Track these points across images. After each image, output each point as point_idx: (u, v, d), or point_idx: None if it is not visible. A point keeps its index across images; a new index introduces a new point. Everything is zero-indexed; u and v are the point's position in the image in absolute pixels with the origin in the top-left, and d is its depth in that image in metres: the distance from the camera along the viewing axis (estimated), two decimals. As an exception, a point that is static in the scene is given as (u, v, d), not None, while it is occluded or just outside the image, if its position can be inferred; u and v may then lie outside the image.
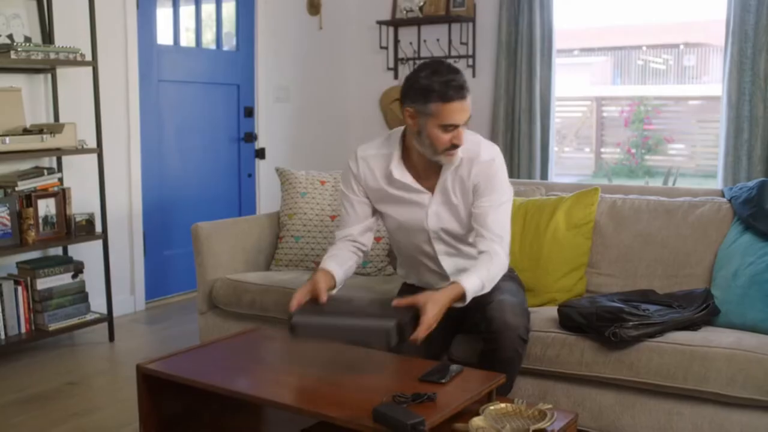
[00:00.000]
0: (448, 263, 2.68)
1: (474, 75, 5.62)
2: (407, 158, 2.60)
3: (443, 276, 2.68)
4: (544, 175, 5.32)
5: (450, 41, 5.69)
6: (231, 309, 3.34)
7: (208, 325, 3.46)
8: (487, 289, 2.45)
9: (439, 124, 2.41)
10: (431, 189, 2.60)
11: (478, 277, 2.41)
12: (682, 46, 5.71)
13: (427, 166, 2.57)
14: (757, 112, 4.54)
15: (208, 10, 5.16)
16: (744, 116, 4.59)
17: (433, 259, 2.70)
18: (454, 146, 2.45)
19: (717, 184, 4.76)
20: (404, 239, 2.72)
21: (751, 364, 2.31)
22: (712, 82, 5.05)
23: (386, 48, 5.96)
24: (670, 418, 2.43)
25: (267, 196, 5.46)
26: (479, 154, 2.56)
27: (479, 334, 2.53)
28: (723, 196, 3.11)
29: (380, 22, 5.86)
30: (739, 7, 4.55)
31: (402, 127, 2.62)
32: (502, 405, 2.06)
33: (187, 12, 5.02)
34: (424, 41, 5.81)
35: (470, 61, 5.63)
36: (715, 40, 4.80)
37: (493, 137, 5.37)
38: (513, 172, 5.29)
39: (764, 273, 2.57)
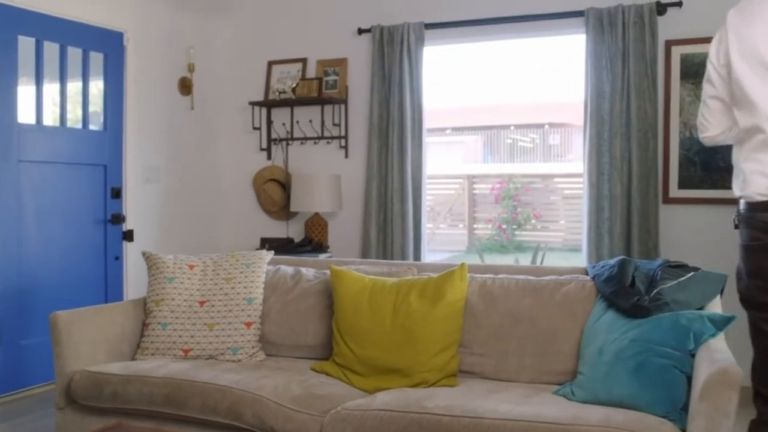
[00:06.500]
0: None
1: (347, 156, 5.67)
2: None
3: None
4: (417, 252, 5.35)
5: (323, 122, 5.74)
6: (91, 403, 3.13)
7: (66, 421, 3.22)
8: None
9: None
10: None
11: None
12: (546, 126, 5.99)
13: None
14: (615, 191, 4.75)
15: (75, 88, 5.01)
16: (604, 195, 4.80)
17: None
18: None
19: (582, 258, 4.93)
20: None
21: (620, 441, 2.34)
22: (576, 160, 5.28)
23: (259, 128, 5.95)
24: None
25: (135, 280, 5.25)
26: None
27: None
28: (586, 273, 3.22)
29: (253, 103, 5.85)
30: (594, 93, 4.80)
31: None
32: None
33: (51, 90, 4.85)
34: (297, 122, 5.83)
35: (343, 141, 5.68)
36: (577, 120, 5.04)
37: (366, 217, 5.40)
38: (387, 251, 5.30)
39: (627, 350, 2.65)
